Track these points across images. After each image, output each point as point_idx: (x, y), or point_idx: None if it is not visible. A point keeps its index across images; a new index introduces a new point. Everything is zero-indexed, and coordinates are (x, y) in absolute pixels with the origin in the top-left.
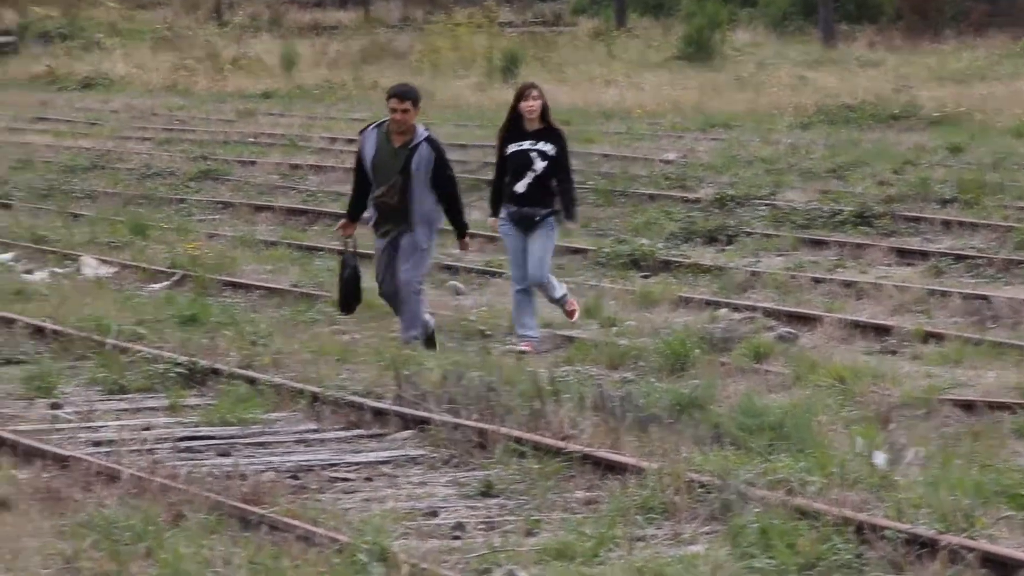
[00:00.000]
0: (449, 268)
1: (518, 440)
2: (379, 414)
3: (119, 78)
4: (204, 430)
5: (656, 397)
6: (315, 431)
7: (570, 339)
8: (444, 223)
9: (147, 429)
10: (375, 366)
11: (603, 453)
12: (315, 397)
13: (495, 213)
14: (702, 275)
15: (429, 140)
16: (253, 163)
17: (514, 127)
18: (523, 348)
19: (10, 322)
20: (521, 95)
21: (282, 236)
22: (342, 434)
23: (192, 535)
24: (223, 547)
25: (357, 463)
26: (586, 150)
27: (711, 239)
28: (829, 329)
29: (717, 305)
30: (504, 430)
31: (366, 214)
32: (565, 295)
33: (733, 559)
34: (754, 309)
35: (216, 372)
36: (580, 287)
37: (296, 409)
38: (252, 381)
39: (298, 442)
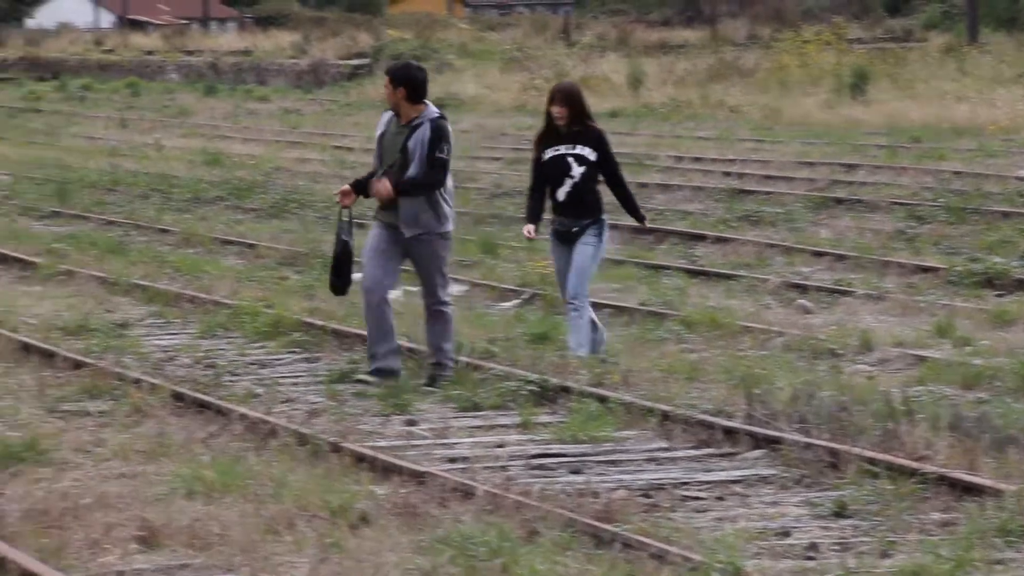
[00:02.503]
0: (798, 287)
1: (871, 460)
2: (729, 433)
3: (469, 98)
4: (556, 447)
5: (1014, 418)
6: (666, 449)
7: (922, 359)
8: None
9: (500, 446)
10: (725, 384)
11: (959, 474)
12: (665, 415)
13: (530, 220)
14: None
15: (433, 120)
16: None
17: (550, 130)
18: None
19: None
20: (550, 99)
21: (629, 255)
22: (693, 452)
23: (547, 552)
24: (577, 564)
25: (708, 482)
26: (936, 167)
27: None
28: None
29: None
30: (857, 450)
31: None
32: (594, 335)
33: None
34: None
35: (567, 390)
36: (931, 306)
37: (646, 427)
38: (602, 399)
39: (649, 460)
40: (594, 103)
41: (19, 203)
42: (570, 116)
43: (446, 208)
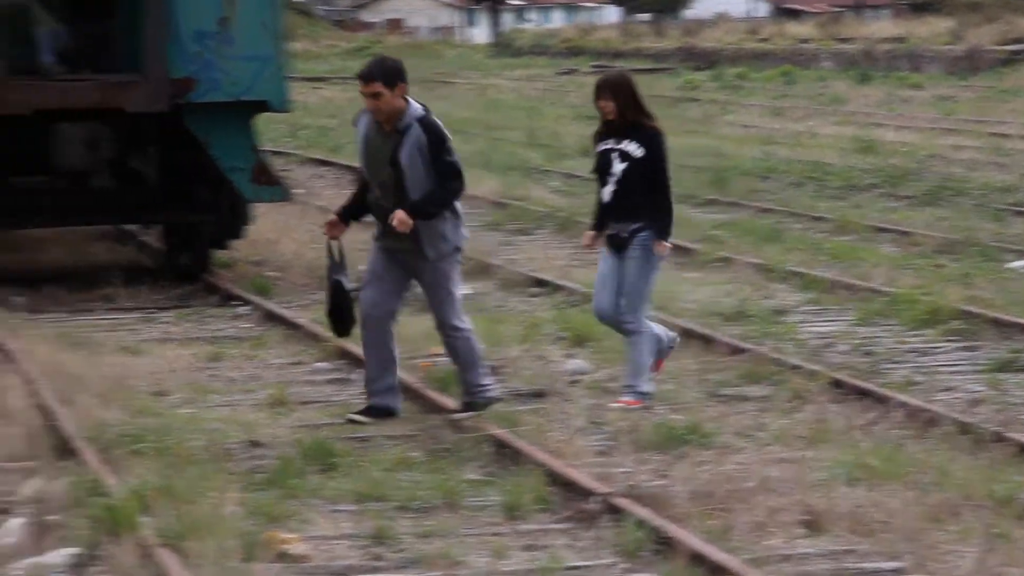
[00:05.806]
0: None
1: None
2: None
3: None
4: None
5: None
6: None
7: None
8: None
9: None
10: None
11: None
12: None
13: (594, 227)
14: None
15: (422, 121)
16: None
17: (605, 124)
18: (615, 404)
19: None
20: (595, 93)
21: None
22: None
23: None
24: None
25: None
26: None
27: None
28: None
29: None
30: None
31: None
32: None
33: None
34: None
35: None
36: None
37: None
38: None
39: None
40: None
41: (677, 191)
42: (619, 109)
43: (463, 217)
